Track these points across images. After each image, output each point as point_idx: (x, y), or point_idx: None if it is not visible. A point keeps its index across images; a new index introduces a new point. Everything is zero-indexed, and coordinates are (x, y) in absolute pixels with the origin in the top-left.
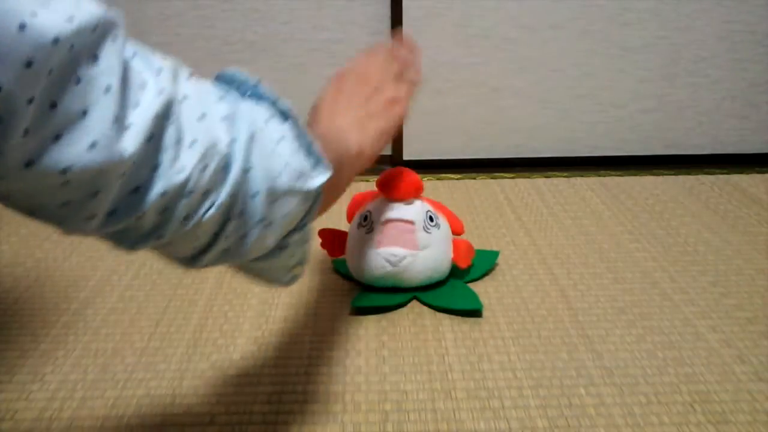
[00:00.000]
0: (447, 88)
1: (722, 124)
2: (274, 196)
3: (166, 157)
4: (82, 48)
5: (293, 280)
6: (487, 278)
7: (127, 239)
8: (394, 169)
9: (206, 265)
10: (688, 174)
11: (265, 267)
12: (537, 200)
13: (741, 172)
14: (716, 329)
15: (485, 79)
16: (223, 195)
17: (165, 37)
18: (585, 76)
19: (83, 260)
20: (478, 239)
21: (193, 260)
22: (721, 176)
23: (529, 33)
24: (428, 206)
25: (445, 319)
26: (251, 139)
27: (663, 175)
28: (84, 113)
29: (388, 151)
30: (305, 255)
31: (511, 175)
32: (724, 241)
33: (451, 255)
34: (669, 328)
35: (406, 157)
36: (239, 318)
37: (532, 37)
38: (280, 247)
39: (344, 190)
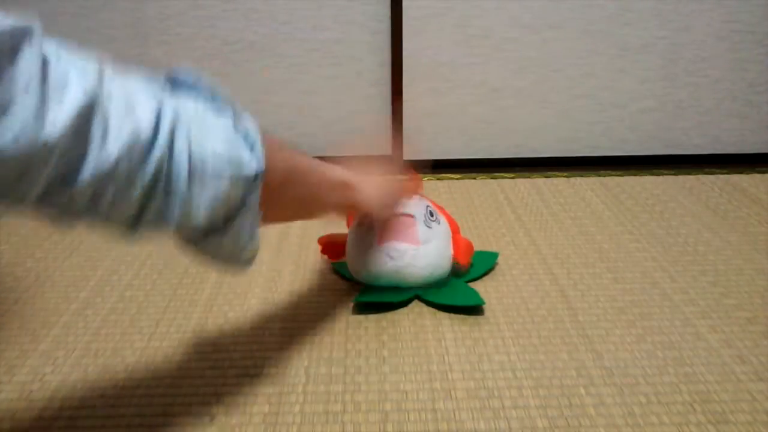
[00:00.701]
0: (447, 88)
1: (722, 124)
2: (200, 179)
3: (93, 148)
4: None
5: (247, 263)
6: (487, 278)
7: (65, 217)
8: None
9: (143, 234)
10: (688, 174)
11: (216, 247)
12: (537, 200)
13: (741, 172)
14: (716, 329)
15: (485, 79)
16: (146, 178)
17: (165, 37)
18: (585, 76)
19: (83, 260)
20: (478, 239)
21: (128, 230)
22: (721, 176)
23: (529, 33)
24: (427, 202)
25: (445, 319)
26: (174, 126)
27: (663, 175)
28: (5, 110)
29: (387, 151)
30: (254, 239)
31: (511, 175)
32: (724, 241)
33: (452, 252)
34: (669, 328)
35: (406, 157)
36: (239, 318)
37: (532, 37)
38: (224, 228)
39: (324, 210)
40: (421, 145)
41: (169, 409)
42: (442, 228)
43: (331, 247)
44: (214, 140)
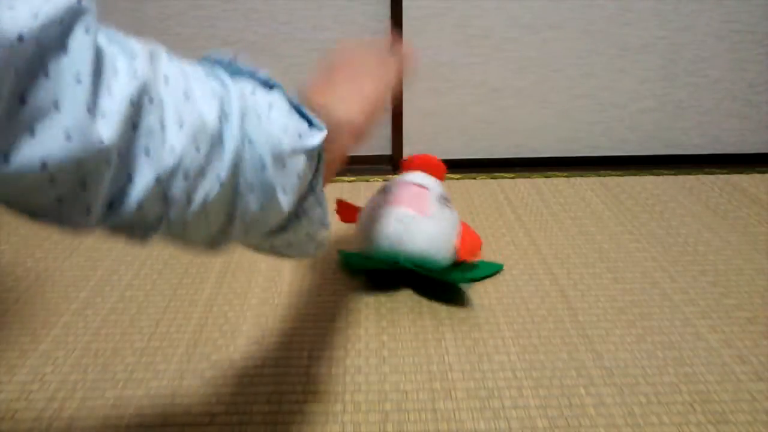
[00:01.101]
0: (447, 88)
1: (722, 124)
2: (281, 160)
3: (153, 142)
4: (50, 41)
5: (320, 248)
6: (487, 278)
7: (138, 231)
8: (422, 154)
9: (230, 244)
10: (688, 174)
11: (291, 239)
12: (537, 200)
13: (741, 172)
14: (716, 329)
15: (485, 79)
16: (223, 173)
17: (165, 37)
18: (585, 76)
19: (83, 260)
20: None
21: (214, 242)
22: (721, 176)
23: (529, 33)
24: (446, 193)
25: (446, 319)
26: (243, 111)
27: (663, 175)
28: (56, 105)
29: (388, 150)
30: (324, 218)
31: (511, 175)
32: (724, 241)
33: (455, 242)
34: (669, 328)
35: (406, 157)
36: (239, 318)
37: (532, 37)
38: (298, 214)
39: (340, 164)
40: (421, 145)
41: (169, 409)
42: (453, 216)
43: (346, 209)
44: (279, 118)
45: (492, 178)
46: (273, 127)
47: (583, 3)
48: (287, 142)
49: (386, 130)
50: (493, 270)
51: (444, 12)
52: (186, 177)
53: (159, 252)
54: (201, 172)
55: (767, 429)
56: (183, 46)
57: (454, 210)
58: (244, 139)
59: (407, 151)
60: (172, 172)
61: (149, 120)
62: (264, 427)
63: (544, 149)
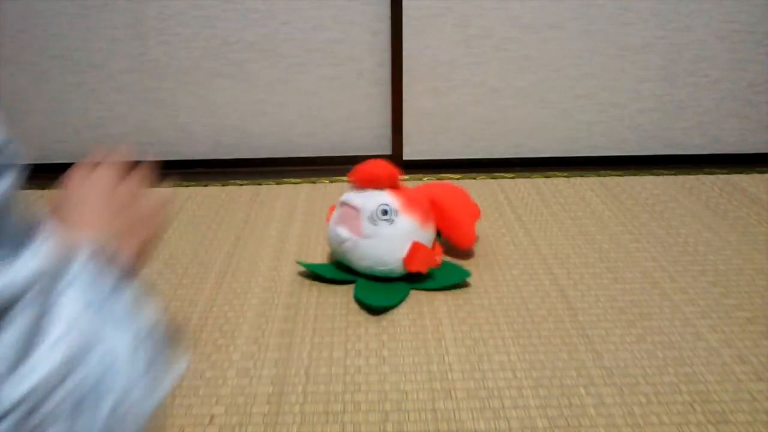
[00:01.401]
0: (447, 88)
1: (722, 124)
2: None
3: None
4: None
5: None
6: (487, 278)
7: None
8: (371, 160)
9: None
10: (688, 174)
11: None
12: (537, 200)
13: (741, 172)
14: (716, 329)
15: (485, 79)
16: None
17: (165, 37)
18: (585, 76)
19: None
20: (478, 239)
21: None
22: (721, 176)
23: (529, 33)
24: (388, 200)
25: (445, 319)
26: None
27: (663, 175)
28: None
29: (388, 150)
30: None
31: (511, 175)
32: (724, 240)
33: (402, 255)
34: (669, 328)
35: (406, 157)
36: (239, 318)
37: (532, 37)
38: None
39: None
40: (421, 145)
41: (169, 409)
42: (396, 230)
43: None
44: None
45: (492, 178)
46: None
47: (583, 3)
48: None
49: (386, 130)
50: (457, 278)
51: (444, 12)
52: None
53: (159, 252)
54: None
55: (767, 429)
56: (183, 46)
57: (402, 221)
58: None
59: (407, 152)
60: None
61: None
62: (264, 427)
63: (544, 149)
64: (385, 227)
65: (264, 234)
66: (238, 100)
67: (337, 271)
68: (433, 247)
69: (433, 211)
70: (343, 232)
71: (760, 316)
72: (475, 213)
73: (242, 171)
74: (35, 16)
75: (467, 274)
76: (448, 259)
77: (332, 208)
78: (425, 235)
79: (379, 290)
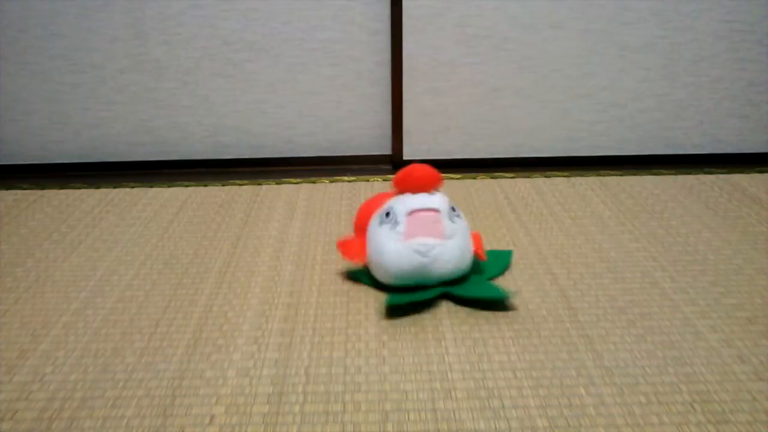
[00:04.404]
0: (447, 88)
1: (722, 124)
2: None
3: None
4: None
5: None
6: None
7: None
8: (408, 166)
9: None
10: (688, 174)
11: None
12: (537, 200)
13: (741, 172)
14: (716, 329)
15: (485, 79)
16: None
17: (165, 37)
18: (585, 76)
19: (83, 260)
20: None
21: None
22: (721, 176)
23: (529, 33)
24: (447, 199)
25: (445, 319)
26: None
27: (663, 174)
28: None
29: (388, 150)
30: None
31: (511, 175)
32: (724, 240)
33: (473, 247)
34: (669, 328)
35: (406, 156)
36: (239, 318)
37: (532, 37)
38: None
39: None
40: (421, 145)
41: (169, 410)
42: (464, 223)
43: (348, 247)
44: None
45: (492, 178)
46: None
47: (583, 3)
48: None
49: (386, 130)
50: (506, 259)
51: (444, 12)
52: None
53: (159, 252)
54: None
55: (767, 429)
56: (183, 46)
57: (461, 214)
58: None
59: (407, 151)
60: None
61: None
62: (264, 427)
63: (544, 149)
64: (459, 222)
65: (264, 234)
66: (238, 100)
67: (422, 291)
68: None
69: None
70: (429, 240)
71: (760, 316)
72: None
73: (242, 171)
74: (35, 16)
75: (509, 253)
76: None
77: (343, 245)
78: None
79: (479, 288)
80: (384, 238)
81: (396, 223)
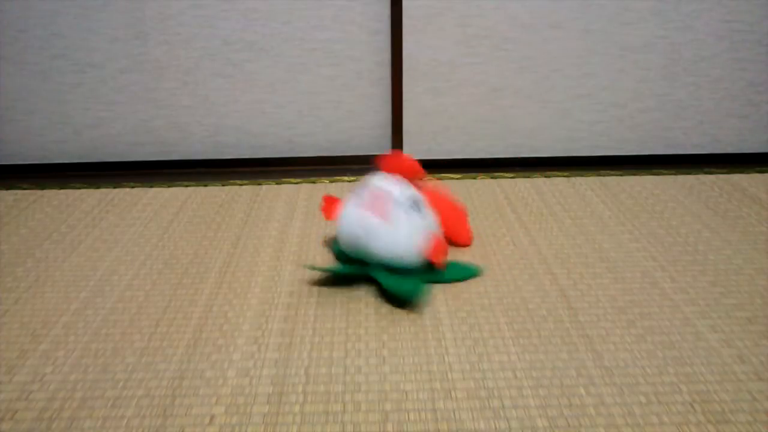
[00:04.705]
0: (447, 88)
1: (722, 124)
2: None
3: None
4: None
5: None
6: (487, 277)
7: None
8: (396, 152)
9: None
10: (688, 174)
11: None
12: (537, 200)
13: (741, 172)
14: (716, 329)
15: (485, 79)
16: None
17: (165, 37)
18: (585, 76)
19: (83, 260)
20: (478, 239)
21: None
22: (721, 176)
23: (529, 33)
24: (418, 196)
25: (445, 319)
26: None
27: (663, 174)
28: None
29: (387, 150)
30: None
31: (511, 175)
32: (724, 240)
33: (422, 248)
34: (669, 328)
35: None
36: (239, 318)
37: (532, 37)
38: None
39: None
40: (421, 145)
41: (169, 410)
42: (422, 223)
43: (330, 205)
44: None
45: (492, 178)
46: None
47: (583, 3)
48: None
49: (386, 130)
50: (466, 274)
51: (444, 12)
52: None
53: (159, 252)
54: None
55: (767, 429)
56: (183, 46)
57: (430, 216)
58: None
59: (407, 151)
60: None
61: None
62: (264, 427)
63: (544, 149)
64: (414, 217)
65: (264, 234)
66: (238, 100)
67: (350, 267)
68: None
69: (440, 210)
70: (370, 216)
71: (760, 316)
72: (463, 210)
73: (242, 171)
74: (35, 16)
75: (477, 270)
76: (452, 259)
77: (328, 200)
78: (439, 232)
79: (401, 282)
80: (349, 204)
81: (361, 194)
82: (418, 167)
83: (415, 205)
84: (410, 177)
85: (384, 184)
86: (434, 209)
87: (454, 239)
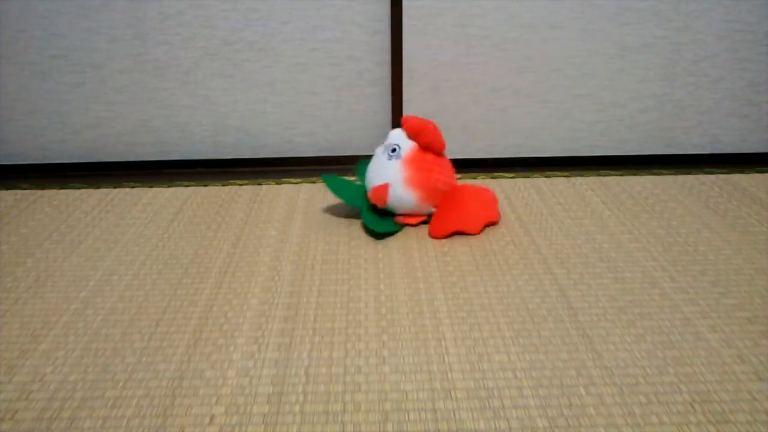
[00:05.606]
0: (447, 88)
1: (722, 124)
2: None
3: None
4: None
5: None
6: (487, 277)
7: None
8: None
9: None
10: (688, 174)
11: None
12: (537, 200)
13: (741, 172)
14: (716, 329)
15: (485, 79)
16: None
17: (165, 37)
18: (585, 76)
19: (83, 260)
20: (478, 239)
21: None
22: (721, 176)
23: (529, 33)
24: (401, 146)
25: (445, 319)
26: None
27: (663, 174)
28: None
29: None
30: None
31: (511, 175)
32: (724, 240)
33: (373, 189)
34: (669, 328)
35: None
36: (239, 318)
37: (532, 37)
38: None
39: None
40: None
41: (169, 410)
42: (393, 166)
43: (380, 193)
44: None
45: (492, 178)
46: None
47: (583, 3)
48: None
49: (386, 130)
50: (388, 229)
51: (444, 12)
52: None
53: (159, 252)
54: None
55: (767, 429)
56: (183, 46)
57: (397, 159)
58: None
59: None
60: None
61: None
62: (264, 427)
63: (544, 149)
64: (387, 163)
65: (264, 234)
66: (238, 100)
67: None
68: (412, 216)
69: (447, 201)
70: (380, 148)
71: (760, 316)
72: (492, 212)
73: (242, 171)
74: (35, 16)
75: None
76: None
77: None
78: (411, 195)
79: (377, 220)
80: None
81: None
82: (418, 128)
83: (393, 152)
84: (410, 135)
85: (394, 133)
86: (454, 200)
87: (462, 224)
